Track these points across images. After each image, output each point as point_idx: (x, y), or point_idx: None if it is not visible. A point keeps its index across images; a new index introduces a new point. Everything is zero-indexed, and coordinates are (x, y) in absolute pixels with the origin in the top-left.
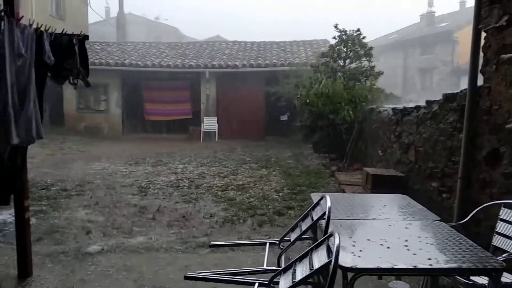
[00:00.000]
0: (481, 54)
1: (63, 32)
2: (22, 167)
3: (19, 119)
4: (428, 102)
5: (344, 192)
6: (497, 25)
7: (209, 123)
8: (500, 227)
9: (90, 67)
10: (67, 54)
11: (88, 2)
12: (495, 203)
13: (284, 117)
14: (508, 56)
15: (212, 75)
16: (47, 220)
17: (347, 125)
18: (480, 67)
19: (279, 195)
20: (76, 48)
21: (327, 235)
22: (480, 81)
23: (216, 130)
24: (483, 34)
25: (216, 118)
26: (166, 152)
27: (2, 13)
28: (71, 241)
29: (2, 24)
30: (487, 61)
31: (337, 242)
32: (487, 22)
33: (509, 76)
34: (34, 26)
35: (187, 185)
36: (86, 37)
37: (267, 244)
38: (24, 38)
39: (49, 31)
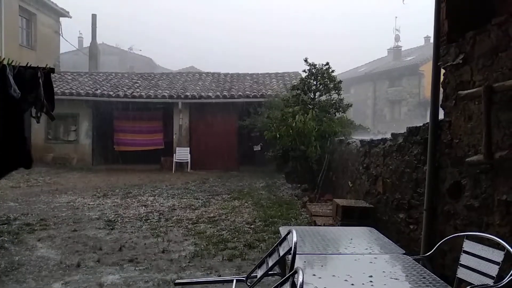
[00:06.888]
0: (441, 89)
1: (27, 65)
2: None
3: None
4: (393, 134)
5: (315, 223)
6: (454, 62)
7: (182, 154)
8: (464, 259)
9: (60, 97)
10: (30, 87)
11: (60, 32)
12: (458, 235)
13: (257, 147)
14: (465, 92)
15: (185, 105)
16: (7, 257)
17: (317, 157)
18: (440, 102)
19: (251, 227)
20: (41, 81)
21: (292, 272)
22: (441, 115)
23: (189, 161)
24: (443, 71)
25: (188, 148)
26: (137, 183)
27: None
28: (32, 279)
29: None
30: (447, 96)
31: (300, 279)
32: (445, 59)
33: (467, 111)
34: None
35: (156, 218)
36: (52, 70)
37: (234, 281)
38: None
39: (13, 63)
